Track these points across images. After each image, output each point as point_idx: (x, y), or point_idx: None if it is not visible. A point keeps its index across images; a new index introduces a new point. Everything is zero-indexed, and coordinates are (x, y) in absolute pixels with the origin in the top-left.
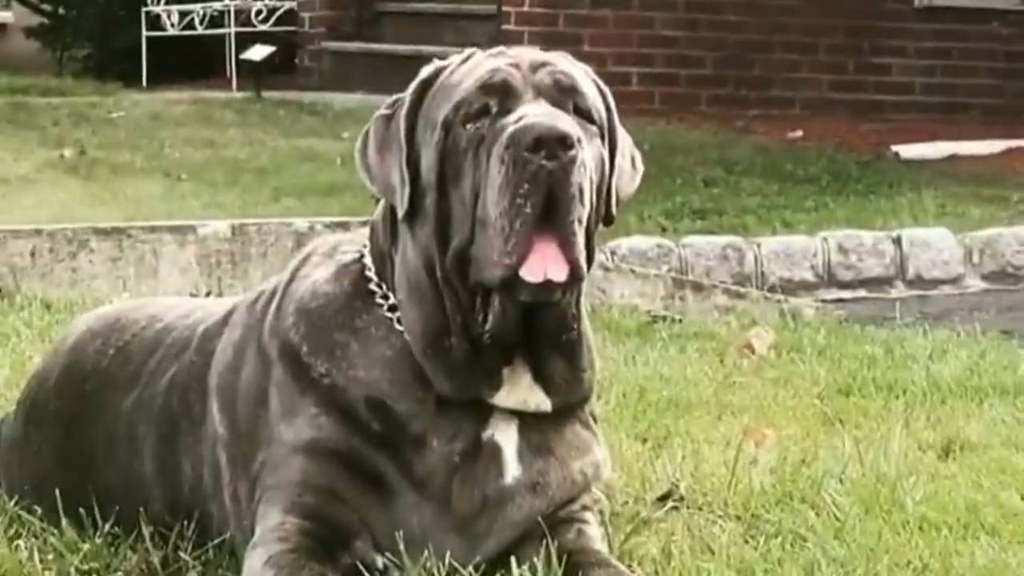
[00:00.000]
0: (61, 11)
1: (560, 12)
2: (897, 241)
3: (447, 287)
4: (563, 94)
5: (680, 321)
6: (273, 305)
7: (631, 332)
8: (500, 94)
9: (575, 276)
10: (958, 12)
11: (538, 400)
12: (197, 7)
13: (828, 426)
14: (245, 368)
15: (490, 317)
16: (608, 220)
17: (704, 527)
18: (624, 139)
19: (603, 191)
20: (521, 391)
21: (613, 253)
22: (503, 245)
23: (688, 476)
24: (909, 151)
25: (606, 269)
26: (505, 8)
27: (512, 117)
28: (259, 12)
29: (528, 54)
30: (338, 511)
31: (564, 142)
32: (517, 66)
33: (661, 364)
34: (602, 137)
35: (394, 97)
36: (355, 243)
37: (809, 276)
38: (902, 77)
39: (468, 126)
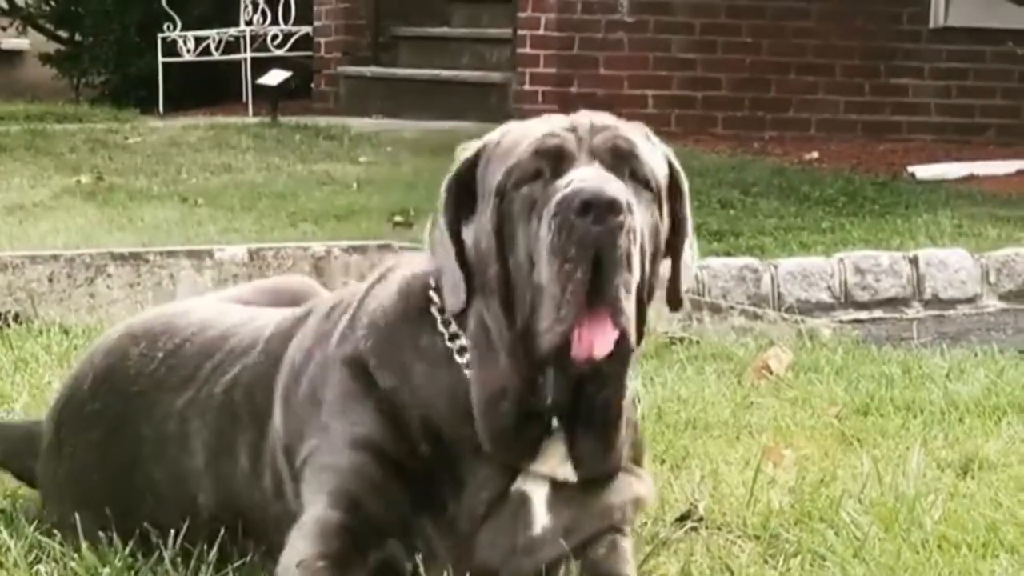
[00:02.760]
0: (77, 38)
1: (576, 35)
2: (914, 261)
3: (513, 359)
4: (619, 159)
5: (698, 342)
6: (347, 315)
7: (649, 354)
8: (553, 158)
9: (622, 348)
10: (973, 33)
11: (566, 473)
12: (213, 33)
13: (846, 446)
14: (308, 371)
15: (547, 387)
16: (675, 304)
17: (723, 547)
18: (690, 223)
19: (657, 260)
20: (553, 463)
21: None
22: (555, 313)
23: (707, 496)
24: (925, 172)
25: None
26: (521, 32)
27: (564, 180)
28: (275, 37)
29: (590, 118)
30: (379, 506)
31: (612, 207)
32: (574, 129)
33: (679, 385)
34: (659, 204)
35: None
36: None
37: (826, 297)
38: (918, 98)
39: (522, 190)
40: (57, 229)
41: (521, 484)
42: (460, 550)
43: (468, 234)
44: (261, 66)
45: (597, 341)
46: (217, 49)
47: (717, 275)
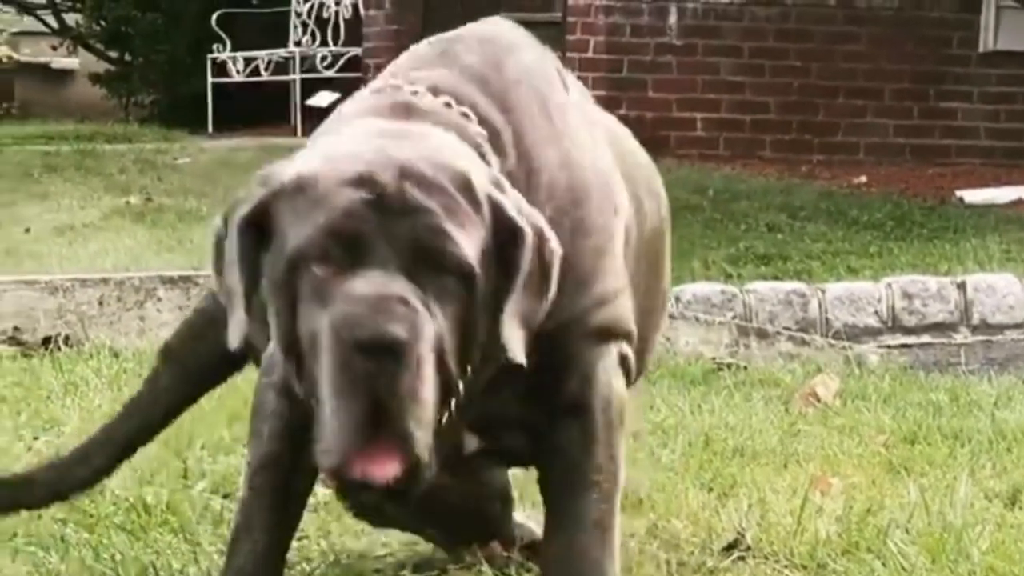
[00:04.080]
0: (127, 58)
1: (624, 58)
2: (962, 286)
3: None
4: (421, 257)
5: (745, 368)
6: None
7: (697, 380)
8: (346, 247)
9: (413, 471)
10: (1022, 57)
11: None
12: (262, 54)
13: (894, 475)
14: None
15: None
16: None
17: None
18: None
19: (470, 348)
20: None
21: (678, 300)
22: (332, 439)
23: (754, 525)
24: (974, 196)
25: (671, 317)
26: (570, 54)
27: (347, 289)
28: (324, 59)
29: (400, 169)
30: None
31: (391, 349)
32: (378, 200)
33: (726, 412)
34: (472, 286)
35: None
36: None
37: (873, 322)
38: (967, 122)
39: (313, 269)
40: (106, 250)
41: None
42: None
43: (264, 268)
44: (310, 87)
45: (376, 471)
46: (267, 70)
47: (764, 299)
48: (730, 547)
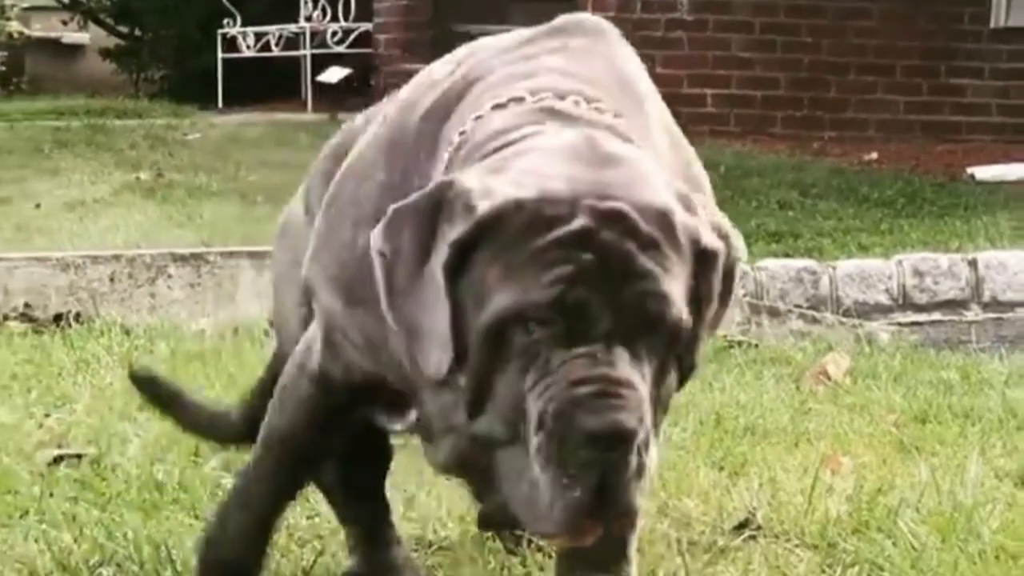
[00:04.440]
0: (138, 33)
1: (635, 33)
2: (972, 263)
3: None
4: (645, 329)
5: (756, 346)
6: None
7: (708, 357)
8: (571, 317)
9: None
10: None
11: None
12: (273, 29)
13: (904, 454)
14: None
15: None
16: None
17: (781, 556)
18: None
19: (662, 387)
20: None
21: None
22: (552, 513)
23: (765, 504)
24: (985, 173)
25: None
26: None
27: (573, 367)
28: (335, 34)
29: (621, 225)
30: None
31: (623, 439)
32: (603, 264)
33: (737, 390)
34: (680, 337)
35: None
36: None
37: (884, 299)
38: (977, 98)
39: (529, 328)
40: (117, 226)
41: None
42: None
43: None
44: (321, 63)
45: (587, 538)
46: (277, 45)
47: (775, 276)
48: (741, 526)
